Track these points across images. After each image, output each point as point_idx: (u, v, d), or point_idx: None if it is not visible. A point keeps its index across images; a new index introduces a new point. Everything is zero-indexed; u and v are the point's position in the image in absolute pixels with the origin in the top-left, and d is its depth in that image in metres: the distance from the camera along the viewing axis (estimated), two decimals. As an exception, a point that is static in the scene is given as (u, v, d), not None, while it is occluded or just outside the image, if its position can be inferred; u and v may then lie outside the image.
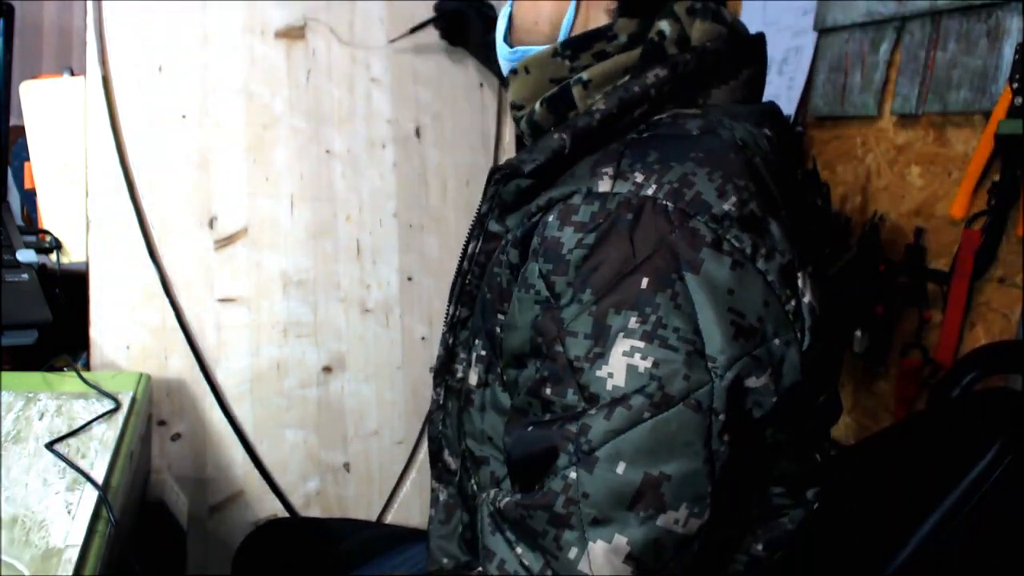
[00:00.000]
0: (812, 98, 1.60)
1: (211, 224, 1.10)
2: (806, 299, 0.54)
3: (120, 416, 0.82)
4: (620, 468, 0.50)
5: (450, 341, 0.75)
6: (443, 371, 0.76)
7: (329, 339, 1.17)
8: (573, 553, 0.51)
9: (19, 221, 1.26)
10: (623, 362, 0.51)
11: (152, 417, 1.06)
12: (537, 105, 0.67)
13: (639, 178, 0.55)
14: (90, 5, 1.03)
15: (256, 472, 1.12)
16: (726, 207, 0.53)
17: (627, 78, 0.63)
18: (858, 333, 1.40)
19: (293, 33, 1.14)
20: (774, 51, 1.73)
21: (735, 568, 0.61)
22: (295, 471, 1.15)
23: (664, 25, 0.63)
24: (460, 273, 0.74)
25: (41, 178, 1.05)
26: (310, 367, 1.16)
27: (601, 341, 0.52)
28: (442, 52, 1.25)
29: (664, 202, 0.53)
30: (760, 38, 0.67)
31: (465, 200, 1.27)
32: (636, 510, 0.50)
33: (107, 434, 0.78)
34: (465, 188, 1.27)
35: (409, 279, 1.23)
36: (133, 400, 0.86)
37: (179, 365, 1.08)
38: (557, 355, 0.54)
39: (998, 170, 1.18)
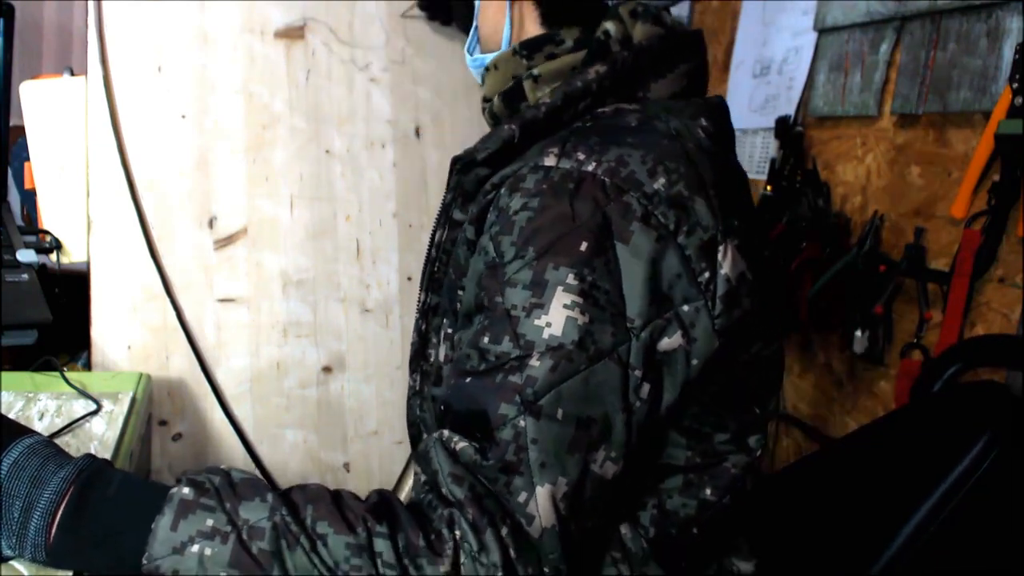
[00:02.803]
0: (812, 98, 1.60)
1: (211, 224, 1.10)
2: (723, 271, 0.60)
3: (120, 416, 0.82)
4: (559, 414, 0.55)
5: (423, 327, 0.79)
6: (417, 357, 0.80)
7: (329, 339, 1.17)
8: (523, 497, 0.54)
9: (19, 221, 1.26)
10: (563, 314, 0.56)
11: (152, 417, 1.06)
12: (496, 98, 0.75)
13: (581, 156, 0.61)
14: (90, 5, 1.03)
15: (256, 472, 1.12)
16: (656, 186, 0.59)
17: (573, 73, 0.70)
18: (858, 333, 1.40)
19: (293, 33, 1.14)
20: (774, 51, 1.73)
21: (687, 512, 0.66)
22: (295, 471, 1.15)
23: (610, 25, 0.70)
24: (428, 261, 0.79)
25: (41, 178, 1.05)
26: (310, 367, 1.16)
27: (538, 292, 0.57)
28: (442, 52, 1.25)
29: (602, 177, 0.59)
30: (697, 34, 0.74)
31: (465, 200, 1.27)
32: (572, 452, 0.55)
33: (107, 434, 0.78)
34: (465, 188, 1.27)
35: (409, 279, 1.23)
36: (133, 400, 0.86)
37: (180, 365, 1.08)
38: (496, 306, 0.59)
39: (998, 170, 1.18)
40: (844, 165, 1.54)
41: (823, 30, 1.56)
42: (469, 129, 1.27)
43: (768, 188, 1.66)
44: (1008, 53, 1.17)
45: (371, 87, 1.20)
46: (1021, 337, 1.15)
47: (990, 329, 1.22)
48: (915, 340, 1.34)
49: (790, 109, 1.66)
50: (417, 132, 1.23)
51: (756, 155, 1.79)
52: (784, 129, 1.64)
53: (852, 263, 1.43)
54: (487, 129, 1.27)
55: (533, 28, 0.75)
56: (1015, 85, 1.13)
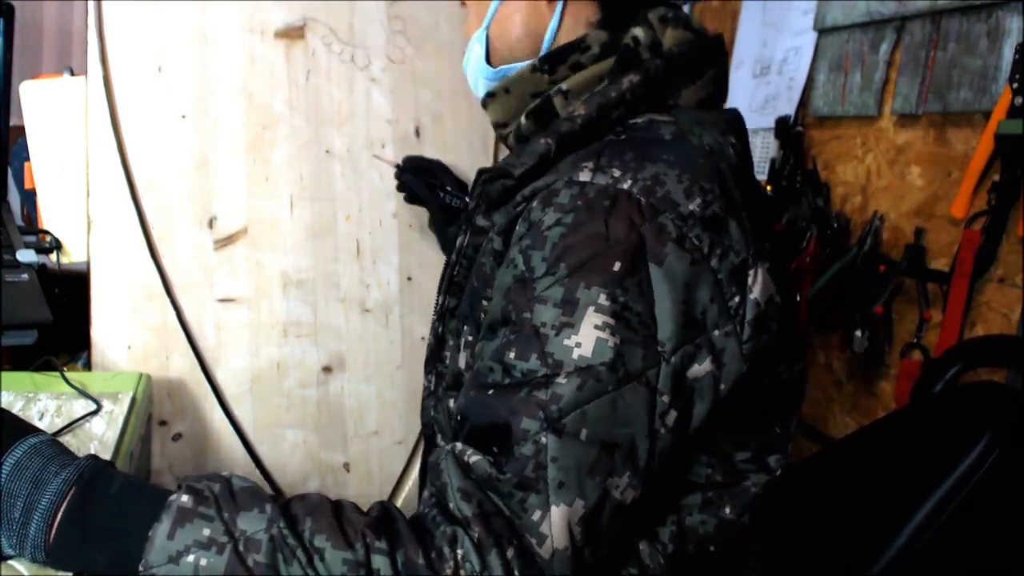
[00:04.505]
0: (812, 98, 1.60)
1: (211, 224, 1.10)
2: (752, 296, 0.59)
3: (120, 416, 0.82)
4: (583, 435, 0.54)
5: (439, 330, 0.79)
6: (433, 359, 0.80)
7: (329, 339, 1.17)
8: (536, 516, 0.53)
9: (19, 221, 1.26)
10: (594, 334, 0.54)
11: (153, 417, 1.06)
12: (523, 119, 0.72)
13: (616, 173, 0.60)
14: (90, 5, 1.03)
15: (256, 472, 1.12)
16: (692, 207, 0.58)
17: (604, 84, 0.68)
18: (858, 333, 1.40)
19: (293, 33, 1.14)
20: (774, 51, 1.73)
21: (706, 530, 0.66)
22: (295, 471, 1.15)
23: (639, 32, 0.68)
24: (449, 265, 0.78)
25: (41, 178, 1.05)
26: (310, 367, 1.16)
27: (569, 311, 0.55)
28: (442, 52, 1.25)
29: (638, 196, 0.58)
30: (719, 38, 0.73)
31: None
32: (592, 475, 0.54)
33: (107, 434, 0.78)
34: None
35: (409, 279, 1.23)
36: (133, 400, 0.86)
37: (180, 365, 1.08)
38: (525, 321, 0.57)
39: (998, 170, 1.18)
40: (844, 165, 1.54)
41: (823, 30, 1.56)
42: (469, 129, 1.27)
43: (768, 188, 1.66)
44: (1008, 53, 1.17)
45: (371, 87, 1.20)
46: (1021, 337, 1.15)
47: (990, 329, 1.22)
48: (915, 340, 1.34)
49: (790, 109, 1.66)
50: (417, 132, 1.23)
51: (756, 155, 1.79)
52: (784, 129, 1.64)
53: (852, 263, 1.42)
54: (488, 130, 1.28)
55: (580, 31, 0.72)
56: (1015, 85, 1.13)
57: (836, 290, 1.46)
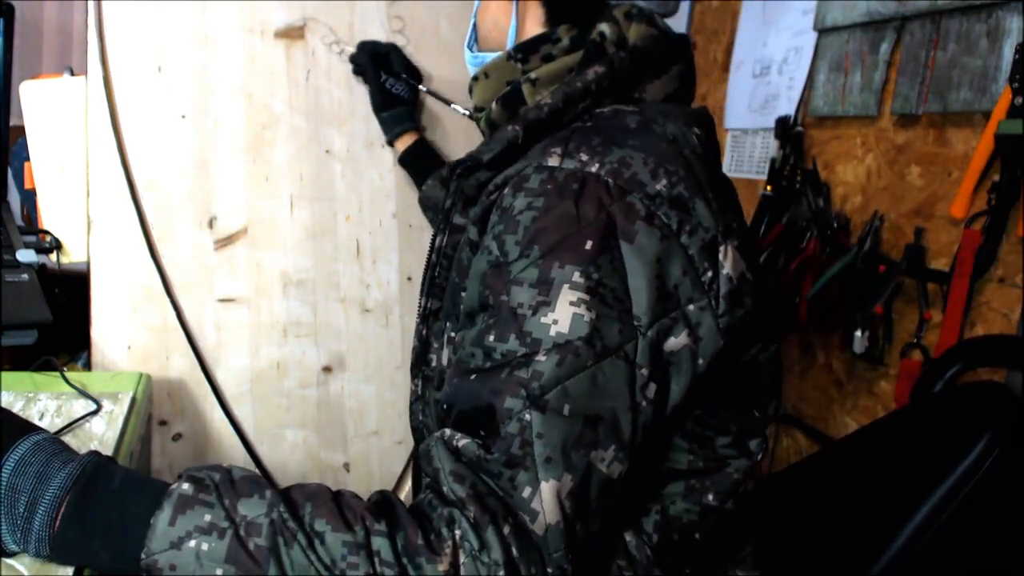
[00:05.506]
0: (812, 98, 1.60)
1: (211, 224, 1.10)
2: (724, 271, 0.60)
3: (120, 416, 0.82)
4: (566, 410, 0.54)
5: (423, 332, 0.79)
6: (419, 362, 0.80)
7: (329, 339, 1.17)
8: (527, 492, 0.53)
9: (19, 221, 1.26)
10: (570, 311, 0.55)
11: (153, 417, 1.06)
12: (493, 104, 0.75)
13: (584, 157, 0.61)
14: (90, 5, 1.03)
15: (256, 472, 1.12)
16: (658, 187, 0.60)
17: (572, 75, 0.70)
18: (858, 333, 1.40)
19: (293, 33, 1.14)
20: (774, 51, 1.73)
21: (690, 518, 0.67)
22: (295, 471, 1.15)
23: (605, 27, 0.71)
24: (429, 266, 0.79)
25: (41, 178, 1.05)
26: (310, 367, 1.16)
27: (545, 290, 0.56)
28: (442, 52, 1.25)
29: (606, 178, 0.60)
30: (684, 38, 0.76)
31: (465, 200, 1.26)
32: (578, 449, 0.54)
33: (107, 434, 0.78)
34: (465, 188, 1.27)
35: (409, 279, 1.23)
36: (133, 400, 0.86)
37: (180, 365, 1.08)
38: (502, 304, 0.58)
39: (998, 170, 1.18)
40: (844, 165, 1.54)
41: (823, 30, 1.56)
42: (469, 128, 1.27)
43: (768, 188, 1.66)
44: (1008, 53, 1.17)
45: (371, 87, 1.20)
46: (1021, 337, 1.15)
47: (990, 329, 1.22)
48: (915, 340, 1.34)
49: (790, 109, 1.66)
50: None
51: (756, 155, 1.79)
52: (784, 129, 1.64)
53: (852, 263, 1.43)
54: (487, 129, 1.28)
55: (534, 28, 0.75)
56: (1015, 85, 1.13)
57: (836, 290, 1.46)
